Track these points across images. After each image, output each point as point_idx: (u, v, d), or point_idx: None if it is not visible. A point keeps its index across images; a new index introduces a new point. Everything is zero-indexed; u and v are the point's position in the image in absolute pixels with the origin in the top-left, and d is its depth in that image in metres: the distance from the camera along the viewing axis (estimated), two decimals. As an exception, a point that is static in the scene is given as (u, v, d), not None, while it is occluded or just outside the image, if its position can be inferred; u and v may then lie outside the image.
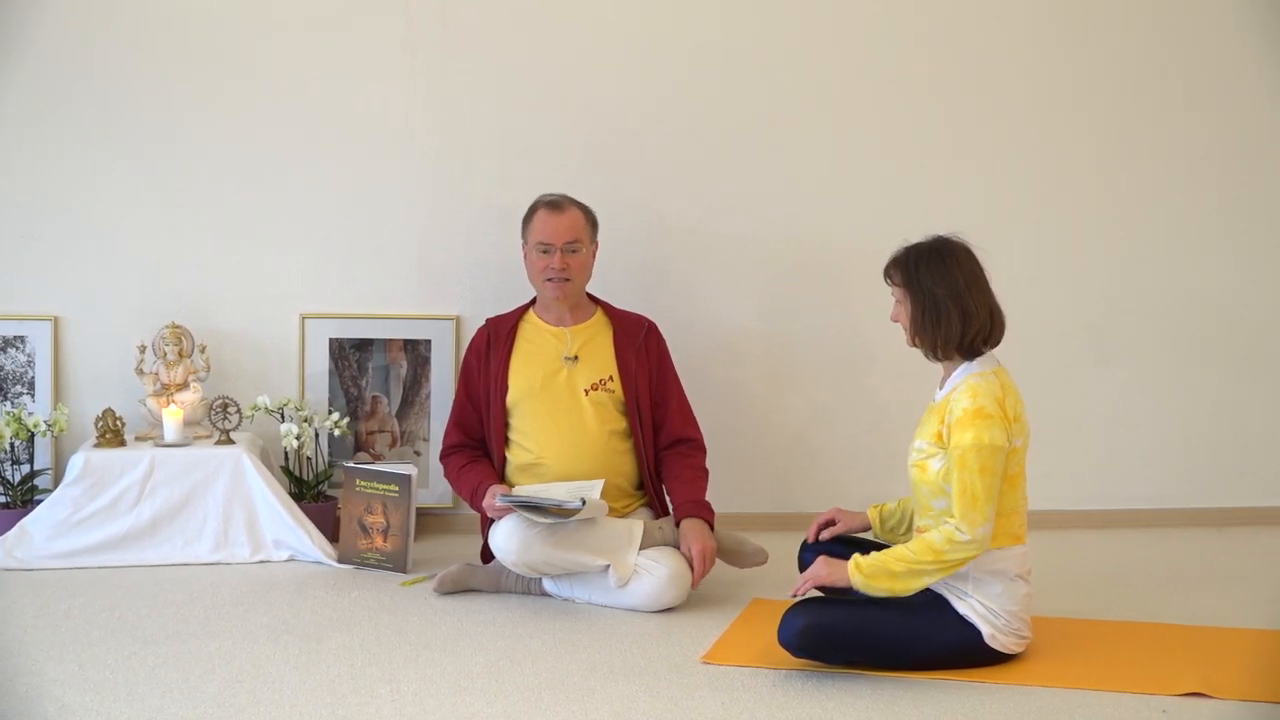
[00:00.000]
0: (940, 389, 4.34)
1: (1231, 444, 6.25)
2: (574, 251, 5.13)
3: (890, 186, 6.06)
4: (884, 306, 6.05)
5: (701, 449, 5.25)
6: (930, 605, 4.21)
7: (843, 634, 4.17)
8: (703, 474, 5.18)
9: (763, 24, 5.99)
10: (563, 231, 5.13)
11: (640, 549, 4.86)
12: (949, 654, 4.21)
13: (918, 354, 6.06)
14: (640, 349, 5.20)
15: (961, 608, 4.19)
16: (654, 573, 4.80)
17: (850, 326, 6.09)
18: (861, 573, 4.15)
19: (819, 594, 4.33)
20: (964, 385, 4.22)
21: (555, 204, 5.17)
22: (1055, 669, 4.22)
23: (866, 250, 6.03)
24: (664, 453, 5.19)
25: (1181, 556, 5.71)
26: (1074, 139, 6.13)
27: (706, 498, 5.10)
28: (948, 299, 4.24)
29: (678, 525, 4.97)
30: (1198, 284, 6.19)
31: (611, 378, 5.14)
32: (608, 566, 4.80)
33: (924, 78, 6.07)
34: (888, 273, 4.39)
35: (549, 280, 5.13)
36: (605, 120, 5.96)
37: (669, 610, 4.82)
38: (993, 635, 4.19)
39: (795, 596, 4.26)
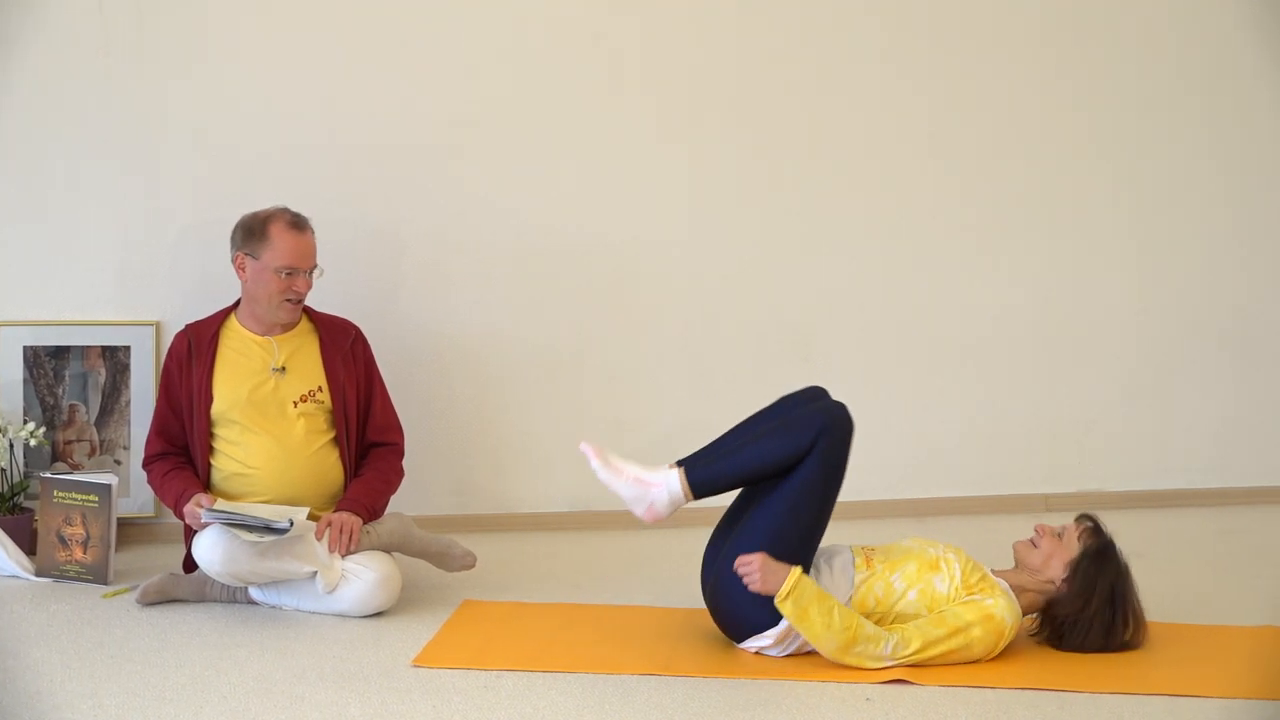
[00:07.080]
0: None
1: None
2: (312, 273, 5.08)
3: (605, 189, 6.14)
4: (590, 306, 6.14)
5: (399, 453, 5.23)
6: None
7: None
8: (386, 480, 5.13)
9: (477, 18, 6.01)
10: (309, 254, 5.04)
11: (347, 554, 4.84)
12: (733, 605, 4.34)
13: (623, 355, 6.15)
14: (348, 356, 5.16)
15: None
16: (362, 577, 4.78)
17: (557, 327, 6.15)
18: (791, 597, 4.17)
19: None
20: (1009, 590, 4.38)
21: (298, 224, 5.04)
22: (767, 661, 4.32)
23: (576, 252, 6.12)
24: (365, 455, 5.17)
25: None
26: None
27: (388, 500, 5.10)
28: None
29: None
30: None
31: (321, 388, 5.08)
32: (315, 573, 4.76)
33: (636, 75, 6.15)
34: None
35: (289, 301, 5.04)
36: (301, 120, 5.90)
37: (379, 614, 4.81)
38: (759, 648, 4.35)
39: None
